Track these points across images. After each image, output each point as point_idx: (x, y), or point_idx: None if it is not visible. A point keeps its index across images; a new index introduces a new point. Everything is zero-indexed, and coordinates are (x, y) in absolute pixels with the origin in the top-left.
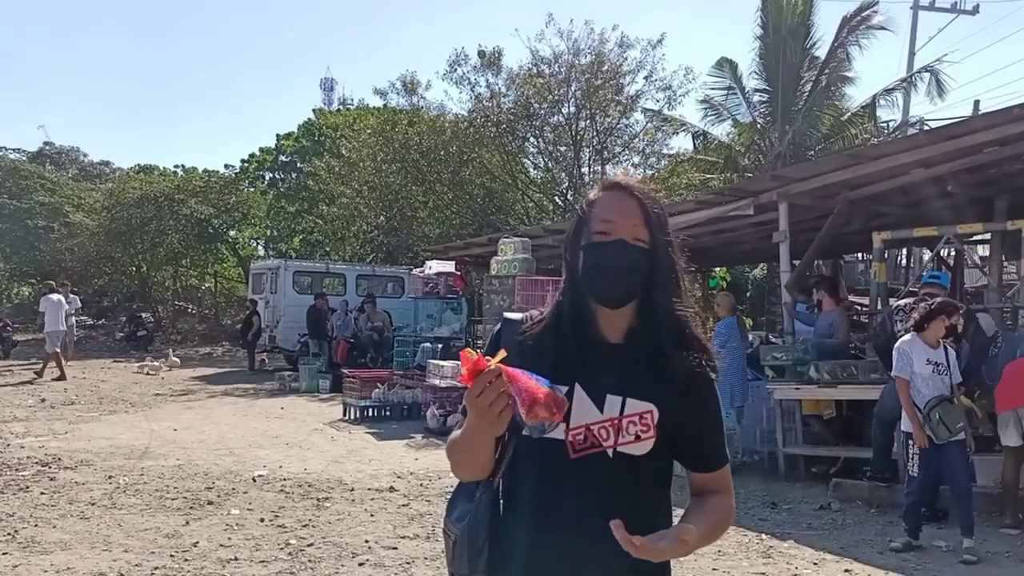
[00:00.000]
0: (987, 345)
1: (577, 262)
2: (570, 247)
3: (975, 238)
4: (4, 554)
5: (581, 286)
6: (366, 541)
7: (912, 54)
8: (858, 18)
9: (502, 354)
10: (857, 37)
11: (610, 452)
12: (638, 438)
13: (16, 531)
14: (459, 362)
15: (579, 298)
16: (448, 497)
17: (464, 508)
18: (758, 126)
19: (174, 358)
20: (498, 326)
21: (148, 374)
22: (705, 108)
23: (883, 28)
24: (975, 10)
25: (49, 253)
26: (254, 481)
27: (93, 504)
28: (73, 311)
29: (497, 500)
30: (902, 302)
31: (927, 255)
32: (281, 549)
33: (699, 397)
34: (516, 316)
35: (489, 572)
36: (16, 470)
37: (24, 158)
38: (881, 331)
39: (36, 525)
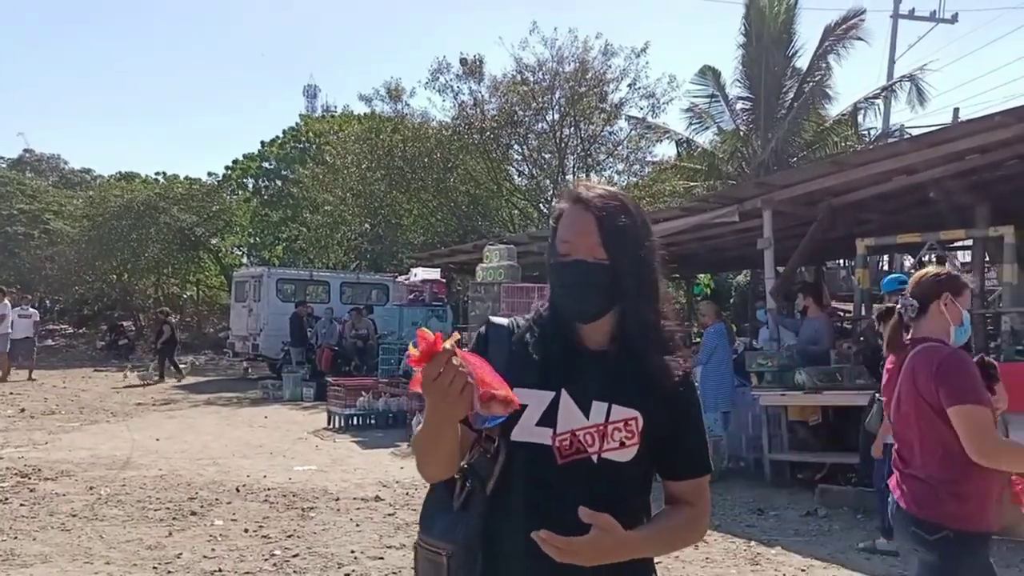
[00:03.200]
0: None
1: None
2: (547, 260)
3: (957, 244)
4: None
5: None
6: (352, 551)
7: (892, 62)
8: (841, 28)
9: (456, 336)
10: (838, 47)
11: (595, 458)
12: (623, 445)
13: None
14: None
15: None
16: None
17: (446, 522)
18: (741, 134)
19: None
20: (483, 328)
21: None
22: (689, 116)
23: (860, 39)
24: (954, 19)
25: (29, 261)
26: (238, 491)
27: (74, 516)
28: (14, 316)
29: (490, 509)
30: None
31: (908, 261)
32: (266, 560)
33: (682, 404)
34: (502, 321)
35: None
36: None
37: (4, 165)
38: (866, 343)
39: (16, 537)
